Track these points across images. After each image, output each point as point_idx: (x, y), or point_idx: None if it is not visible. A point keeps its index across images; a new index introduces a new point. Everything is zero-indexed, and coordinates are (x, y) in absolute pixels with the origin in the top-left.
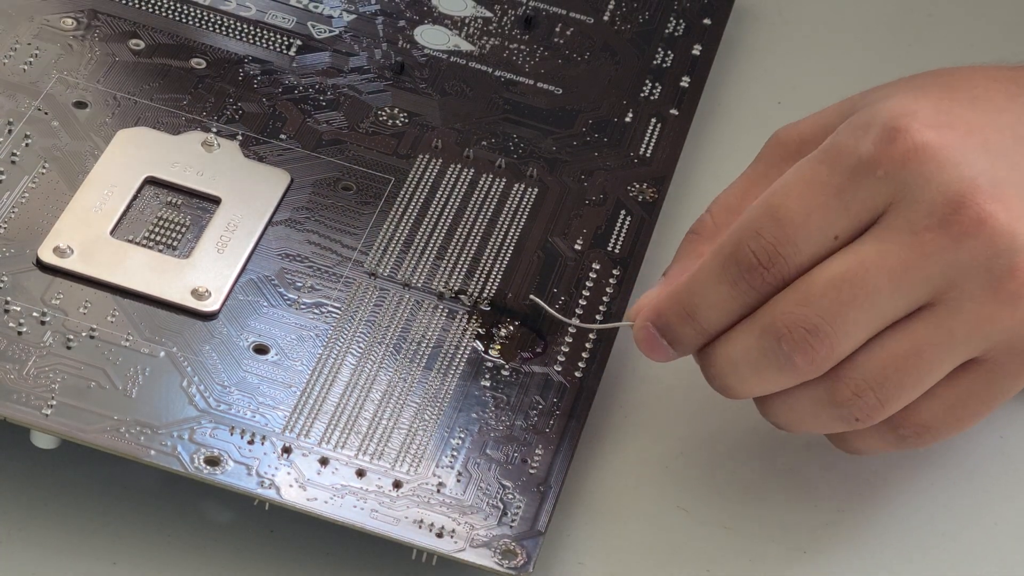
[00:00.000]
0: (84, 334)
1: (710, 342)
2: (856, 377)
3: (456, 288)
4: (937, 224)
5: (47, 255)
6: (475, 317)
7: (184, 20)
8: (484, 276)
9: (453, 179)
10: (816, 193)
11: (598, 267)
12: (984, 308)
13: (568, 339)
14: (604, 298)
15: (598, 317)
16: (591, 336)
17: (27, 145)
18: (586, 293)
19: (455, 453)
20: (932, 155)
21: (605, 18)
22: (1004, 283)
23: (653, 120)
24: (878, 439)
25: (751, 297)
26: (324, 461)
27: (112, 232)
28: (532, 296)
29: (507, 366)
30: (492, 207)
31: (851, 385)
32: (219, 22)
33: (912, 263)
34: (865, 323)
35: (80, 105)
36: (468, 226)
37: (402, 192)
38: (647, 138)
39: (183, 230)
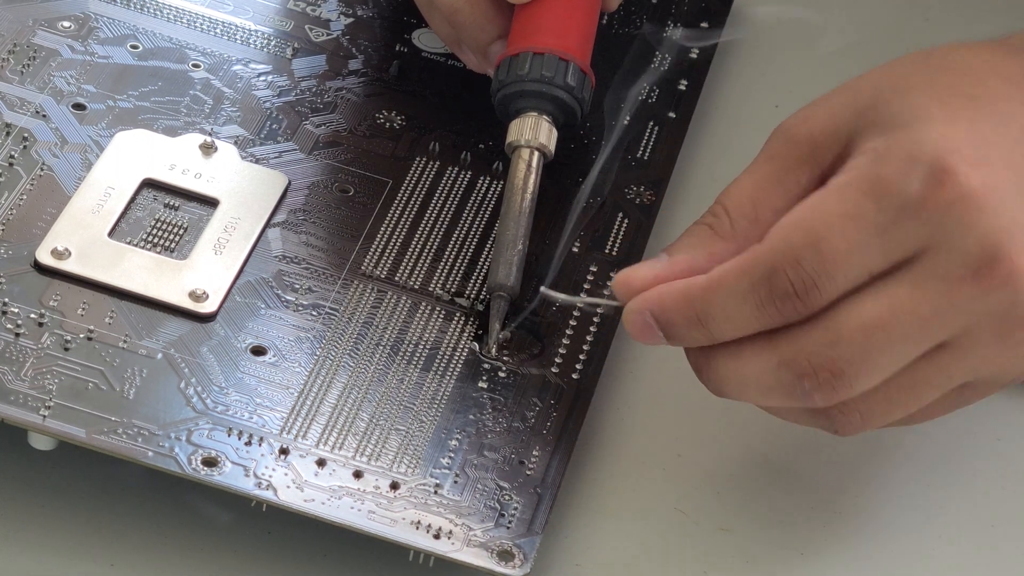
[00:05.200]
0: (82, 336)
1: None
2: (854, 400)
3: (453, 290)
4: (971, 275)
5: (45, 257)
6: (472, 319)
7: (182, 23)
8: (481, 278)
9: (450, 181)
10: (860, 230)
11: (595, 269)
12: (989, 351)
13: (565, 341)
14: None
15: (595, 320)
16: (589, 338)
17: (25, 147)
18: (583, 295)
19: (452, 454)
20: (975, 203)
21: (603, 21)
22: (1015, 331)
23: (651, 123)
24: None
25: (775, 321)
26: (321, 462)
27: (110, 234)
28: (543, 288)
29: (504, 368)
30: (489, 209)
31: (844, 407)
32: (217, 25)
33: (942, 311)
34: (888, 366)
35: (78, 107)
36: (465, 228)
37: (399, 194)
38: (645, 141)
39: (181, 232)
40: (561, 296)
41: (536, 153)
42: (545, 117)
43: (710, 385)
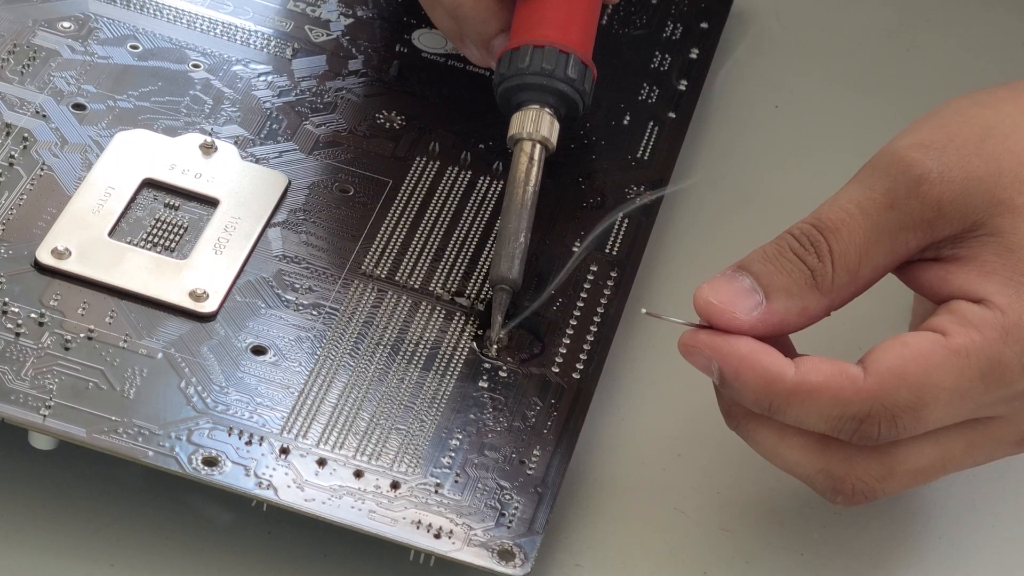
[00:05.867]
0: (82, 335)
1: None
2: (876, 488)
3: (453, 290)
4: (1016, 442)
5: (45, 257)
6: (473, 318)
7: (182, 24)
8: (481, 278)
9: (450, 181)
10: (962, 407)
11: (596, 269)
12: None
13: (566, 340)
14: (602, 300)
15: (596, 319)
16: (589, 337)
17: (25, 147)
18: (584, 295)
19: (453, 454)
20: None
21: (603, 22)
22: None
23: (651, 123)
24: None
25: (840, 438)
26: (322, 462)
27: (110, 234)
28: (645, 310)
29: (505, 367)
30: (489, 209)
31: (862, 488)
32: (217, 26)
33: (981, 462)
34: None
35: (78, 107)
36: (465, 228)
37: (400, 194)
38: (645, 141)
39: (181, 232)
40: (662, 316)
41: (538, 146)
42: (547, 110)
43: (734, 429)
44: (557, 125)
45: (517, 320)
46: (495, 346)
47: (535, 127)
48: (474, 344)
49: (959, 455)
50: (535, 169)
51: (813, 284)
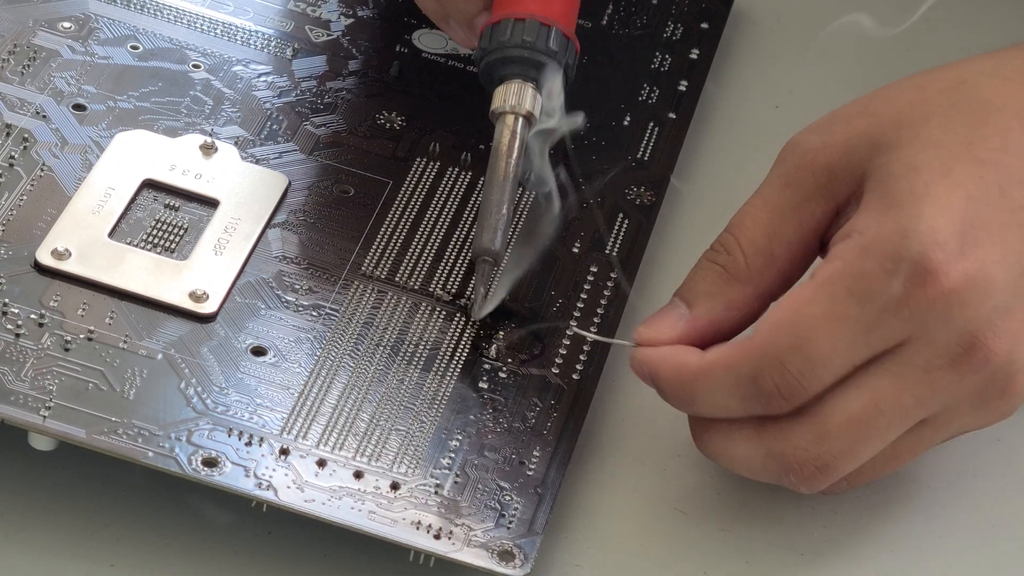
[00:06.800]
0: (82, 336)
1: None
2: (819, 452)
3: (453, 291)
4: (949, 363)
5: (45, 257)
6: (473, 320)
7: (182, 24)
8: None
9: (451, 182)
10: (844, 330)
11: (596, 270)
12: (967, 420)
13: (566, 341)
14: (601, 300)
15: (596, 320)
16: (589, 339)
17: (25, 148)
18: (584, 296)
19: (453, 455)
20: (957, 298)
21: (603, 22)
22: (992, 402)
23: (651, 124)
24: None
25: (761, 412)
26: (322, 463)
27: (110, 234)
28: (575, 326)
29: (504, 368)
30: None
31: (807, 457)
32: (217, 26)
33: (923, 399)
34: (872, 452)
35: (79, 108)
36: (466, 229)
37: (400, 195)
38: (645, 141)
39: (181, 233)
40: (591, 335)
41: (520, 119)
42: (529, 84)
43: (703, 451)
44: (540, 99)
45: (518, 335)
46: (480, 318)
47: (518, 100)
48: (475, 345)
49: (892, 392)
50: (517, 142)
51: (728, 277)
